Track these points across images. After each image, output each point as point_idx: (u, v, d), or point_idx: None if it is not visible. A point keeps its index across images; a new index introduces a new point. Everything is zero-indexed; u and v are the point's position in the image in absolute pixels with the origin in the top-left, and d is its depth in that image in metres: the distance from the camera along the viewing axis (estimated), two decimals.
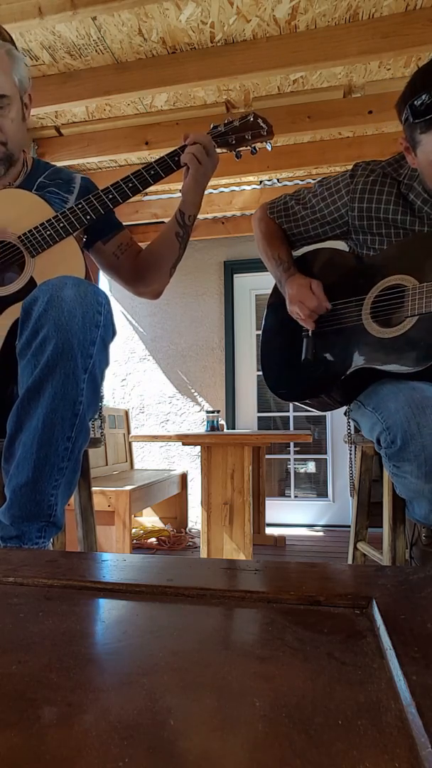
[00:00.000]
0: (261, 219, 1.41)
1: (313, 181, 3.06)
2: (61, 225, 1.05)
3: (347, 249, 1.38)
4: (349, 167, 1.30)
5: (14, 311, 1.02)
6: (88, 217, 1.07)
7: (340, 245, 1.37)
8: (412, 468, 0.95)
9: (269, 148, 1.21)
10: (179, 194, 1.20)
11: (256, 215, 1.43)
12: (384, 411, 1.02)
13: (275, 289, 1.41)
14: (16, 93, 1.11)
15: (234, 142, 1.17)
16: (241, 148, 1.19)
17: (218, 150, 1.18)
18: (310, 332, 1.26)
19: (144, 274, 1.26)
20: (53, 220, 1.05)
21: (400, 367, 1.06)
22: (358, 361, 1.15)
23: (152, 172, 1.11)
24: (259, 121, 1.17)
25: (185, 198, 1.17)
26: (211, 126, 1.18)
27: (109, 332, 0.96)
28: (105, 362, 0.96)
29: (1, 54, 1.06)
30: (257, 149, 1.20)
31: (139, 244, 1.30)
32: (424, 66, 1.04)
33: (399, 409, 0.98)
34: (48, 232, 1.05)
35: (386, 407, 1.02)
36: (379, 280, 1.17)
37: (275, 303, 1.41)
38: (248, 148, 1.19)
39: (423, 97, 1.00)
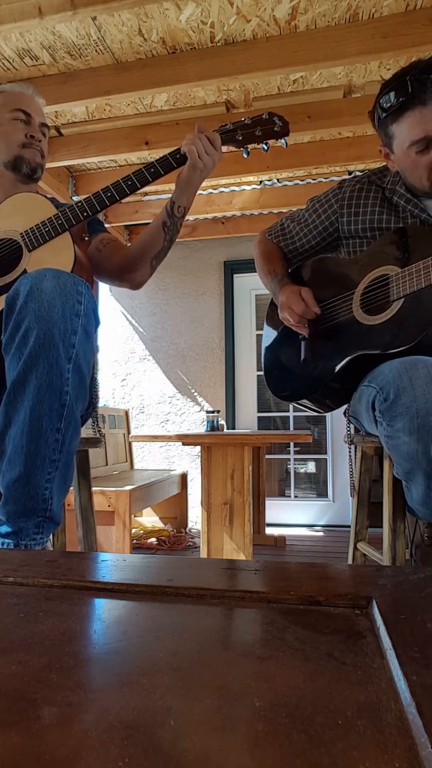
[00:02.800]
0: (260, 242, 1.49)
1: (313, 181, 3.06)
2: (59, 222, 1.09)
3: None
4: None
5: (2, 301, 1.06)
6: (85, 213, 1.11)
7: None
8: (405, 422, 0.96)
9: (284, 145, 1.20)
10: None
11: (256, 239, 1.51)
12: (378, 377, 1.06)
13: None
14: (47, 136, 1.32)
15: (241, 138, 1.16)
16: (249, 145, 1.17)
17: (226, 147, 1.18)
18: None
19: (127, 264, 1.27)
20: (53, 218, 1.10)
21: (394, 348, 1.09)
22: (354, 349, 1.17)
23: (152, 170, 1.13)
24: (275, 118, 1.16)
25: (177, 187, 1.17)
26: (220, 125, 1.18)
27: (91, 321, 0.96)
28: (90, 351, 0.97)
29: (39, 104, 1.31)
30: (269, 146, 1.19)
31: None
32: (392, 75, 1.14)
33: (392, 370, 1.01)
34: (46, 229, 1.10)
35: (380, 373, 1.06)
36: (366, 274, 1.21)
37: (274, 309, 1.44)
38: (258, 145, 1.18)
39: (389, 94, 1.11)
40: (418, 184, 1.17)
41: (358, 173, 2.01)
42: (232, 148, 1.19)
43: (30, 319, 0.88)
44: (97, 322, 0.98)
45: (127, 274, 1.27)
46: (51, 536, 0.95)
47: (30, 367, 0.88)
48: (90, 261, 1.27)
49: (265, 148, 1.19)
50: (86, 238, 1.25)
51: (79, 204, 1.11)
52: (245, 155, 1.20)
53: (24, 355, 0.88)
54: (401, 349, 1.07)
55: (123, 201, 3.32)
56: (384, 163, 1.27)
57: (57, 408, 0.89)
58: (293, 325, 1.28)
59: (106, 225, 3.33)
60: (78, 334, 0.91)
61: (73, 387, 0.90)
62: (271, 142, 1.18)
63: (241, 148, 1.18)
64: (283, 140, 1.18)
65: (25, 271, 1.07)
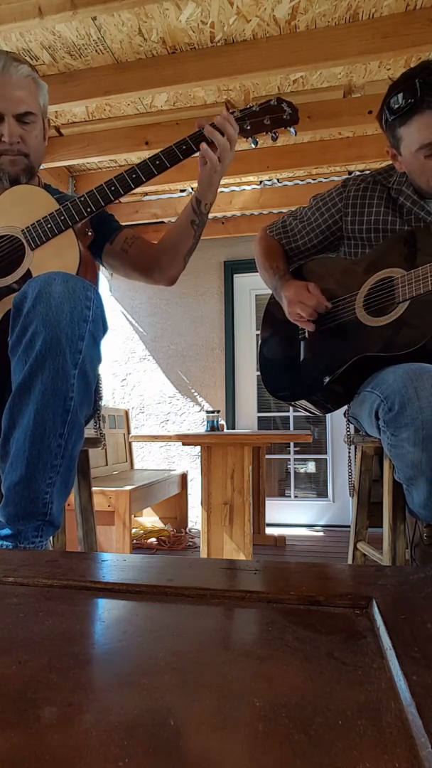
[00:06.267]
0: (261, 238, 1.47)
1: (313, 181, 3.06)
2: (62, 218, 1.06)
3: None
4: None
5: (6, 303, 1.03)
6: (89, 209, 1.07)
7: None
8: (409, 434, 0.95)
9: (294, 134, 1.15)
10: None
11: (257, 236, 1.49)
12: (382, 385, 1.05)
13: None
14: (39, 114, 1.18)
15: (249, 127, 1.11)
16: (258, 134, 1.13)
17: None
18: (306, 333, 1.27)
19: (160, 261, 1.25)
20: (55, 213, 1.06)
21: (398, 350, 1.08)
22: (356, 351, 1.16)
23: (157, 162, 1.08)
24: (284, 105, 1.12)
25: (200, 185, 1.14)
26: (229, 112, 1.12)
27: (99, 327, 0.95)
28: (96, 358, 0.96)
29: (28, 80, 1.14)
30: (278, 135, 1.14)
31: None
32: (399, 76, 1.13)
33: (397, 379, 1.00)
34: (49, 225, 1.06)
35: (384, 381, 1.05)
36: (370, 275, 1.20)
37: (272, 308, 1.44)
38: (267, 134, 1.13)
39: (398, 96, 1.09)
40: (425, 187, 1.16)
41: (357, 173, 2.02)
42: (241, 137, 1.13)
43: (37, 322, 0.87)
44: (105, 329, 0.97)
45: (161, 273, 1.26)
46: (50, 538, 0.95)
47: (36, 371, 0.87)
48: (122, 262, 1.26)
49: (274, 137, 1.14)
50: (89, 234, 1.23)
51: (82, 199, 1.07)
52: (253, 145, 1.17)
53: (30, 359, 0.87)
54: (406, 351, 1.06)
55: (123, 201, 3.32)
56: (387, 163, 1.26)
57: (61, 413, 0.88)
58: (304, 320, 1.25)
59: None
60: (85, 340, 0.90)
61: (78, 393, 0.90)
62: (279, 130, 1.13)
63: (249, 138, 1.14)
64: (292, 128, 1.13)
65: (28, 271, 1.05)
